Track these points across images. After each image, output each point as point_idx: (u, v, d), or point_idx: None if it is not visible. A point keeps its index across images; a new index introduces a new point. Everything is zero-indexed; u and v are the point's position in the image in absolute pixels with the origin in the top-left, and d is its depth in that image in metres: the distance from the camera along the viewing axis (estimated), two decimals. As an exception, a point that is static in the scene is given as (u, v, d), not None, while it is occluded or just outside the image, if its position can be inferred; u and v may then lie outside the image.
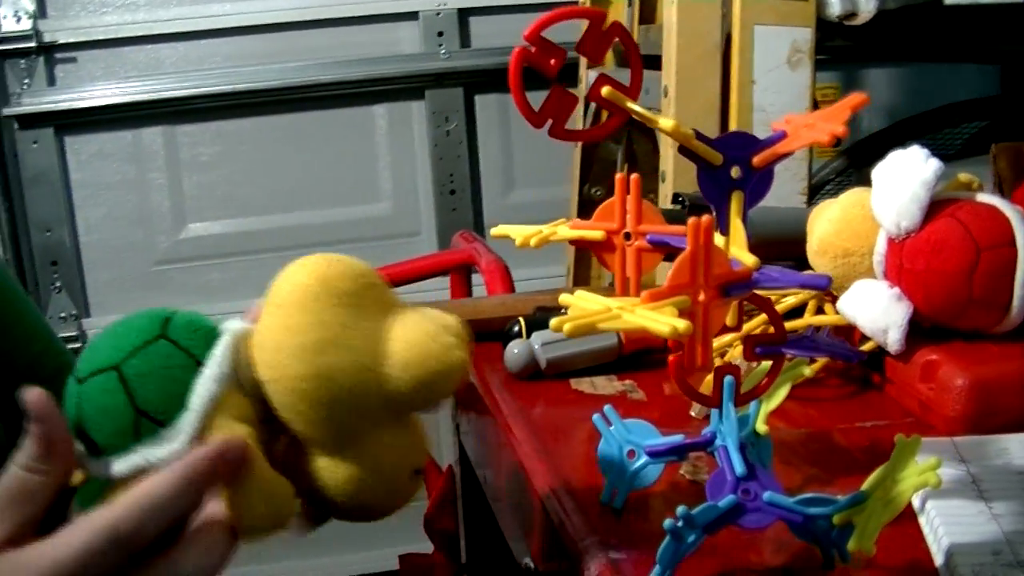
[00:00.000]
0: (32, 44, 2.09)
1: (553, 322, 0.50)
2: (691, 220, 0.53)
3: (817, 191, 1.65)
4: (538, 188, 2.28)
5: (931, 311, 0.80)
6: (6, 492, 0.55)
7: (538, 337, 0.92)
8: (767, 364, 0.63)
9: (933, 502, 0.65)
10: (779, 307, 0.89)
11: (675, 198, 0.99)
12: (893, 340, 0.80)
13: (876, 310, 0.81)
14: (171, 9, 2.16)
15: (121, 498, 0.54)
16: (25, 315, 0.88)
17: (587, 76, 1.68)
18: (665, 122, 0.56)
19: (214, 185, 2.24)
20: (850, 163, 1.72)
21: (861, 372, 0.89)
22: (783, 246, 0.98)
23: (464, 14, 2.24)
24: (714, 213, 0.60)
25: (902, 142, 1.68)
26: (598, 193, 1.70)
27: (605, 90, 0.57)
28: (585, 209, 1.70)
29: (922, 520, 0.65)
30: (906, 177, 0.80)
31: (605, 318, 0.51)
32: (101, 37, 2.13)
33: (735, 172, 0.59)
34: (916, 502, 0.67)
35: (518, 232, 0.67)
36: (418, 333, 0.60)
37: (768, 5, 1.27)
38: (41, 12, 2.11)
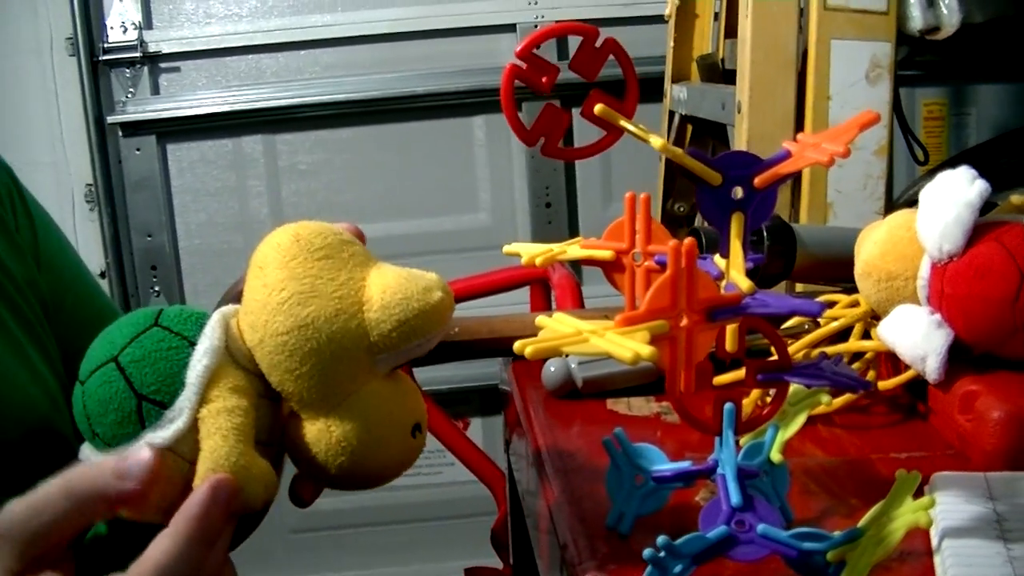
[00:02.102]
0: (137, 54, 2.15)
1: (516, 344, 0.49)
2: (672, 243, 0.52)
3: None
4: (635, 202, 2.25)
5: (973, 338, 0.77)
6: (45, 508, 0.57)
7: (576, 356, 0.91)
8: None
9: (949, 541, 0.62)
10: (823, 331, 0.87)
11: (690, 232, 0.97)
12: (932, 368, 0.77)
13: (916, 336, 0.78)
14: (273, 20, 2.21)
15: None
16: (97, 300, 0.90)
17: (671, 90, 1.66)
18: (655, 140, 0.55)
19: (312, 193, 2.27)
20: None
21: (908, 400, 0.86)
22: (837, 268, 0.95)
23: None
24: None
25: (1003, 156, 1.63)
26: (681, 209, 1.67)
27: (598, 107, 0.56)
28: (669, 225, 1.68)
29: (937, 559, 0.62)
30: (950, 198, 0.77)
31: (571, 341, 0.50)
32: (204, 47, 2.19)
33: (737, 192, 0.58)
34: (934, 540, 0.64)
35: (526, 250, 0.66)
36: (396, 278, 0.61)
37: (846, 18, 1.24)
38: (147, 23, 2.18)
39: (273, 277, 0.60)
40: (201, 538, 0.56)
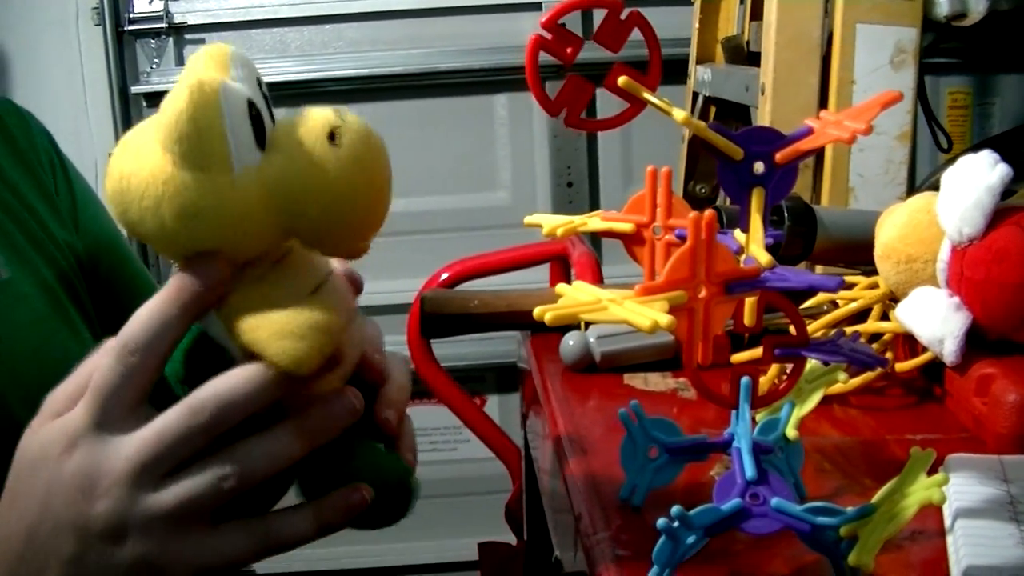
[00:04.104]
0: (163, 25, 2.16)
1: (536, 310, 0.49)
2: (692, 214, 0.52)
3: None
4: (655, 183, 2.26)
5: (990, 322, 0.77)
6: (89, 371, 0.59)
7: (594, 330, 0.92)
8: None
9: (962, 521, 0.62)
10: (842, 311, 0.87)
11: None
12: (949, 351, 0.77)
13: (934, 319, 0.78)
14: (299, -7, 2.21)
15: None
16: (131, 266, 0.92)
17: (695, 72, 1.65)
18: (678, 113, 0.55)
19: (334, 168, 2.27)
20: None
21: (924, 383, 0.86)
22: (856, 250, 0.95)
23: (587, 9, 2.23)
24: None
25: (1022, 147, 1.62)
26: (703, 191, 1.67)
27: (621, 80, 0.56)
28: (690, 207, 1.67)
29: (949, 539, 0.63)
30: (971, 182, 0.77)
31: (591, 309, 0.50)
32: (229, 19, 2.20)
33: (757, 168, 0.58)
34: (947, 520, 0.64)
35: (547, 221, 0.66)
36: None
37: (872, 3, 1.23)
38: (173, -6, 2.18)
39: None
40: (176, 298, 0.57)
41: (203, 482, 0.57)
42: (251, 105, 0.56)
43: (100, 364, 0.58)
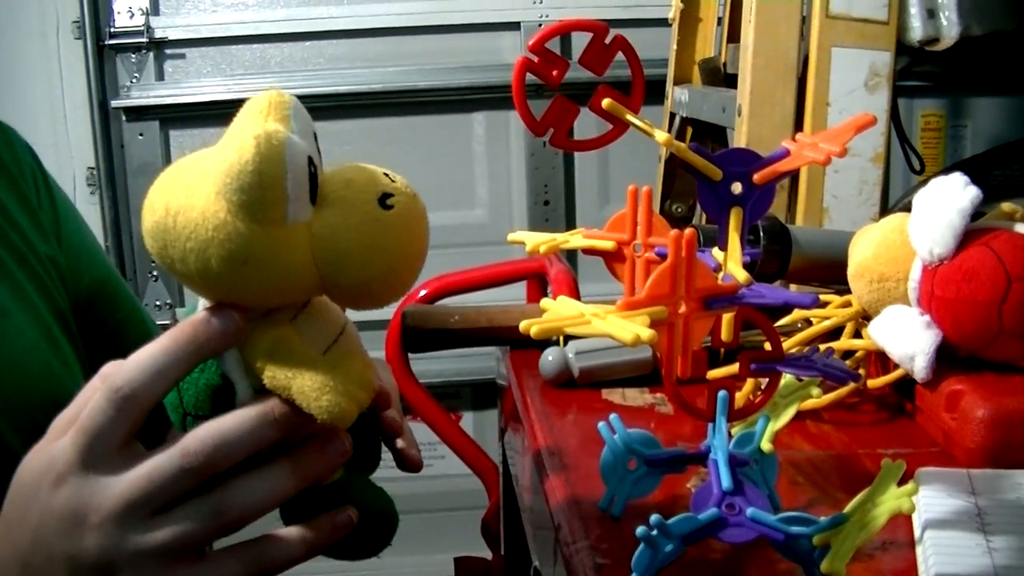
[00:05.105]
0: (143, 40, 2.17)
1: (523, 324, 0.51)
2: (673, 232, 0.54)
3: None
4: (633, 203, 2.28)
5: (960, 340, 0.79)
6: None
7: (573, 346, 0.93)
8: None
9: (931, 532, 0.64)
10: (815, 329, 0.89)
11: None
12: (920, 367, 0.79)
13: (905, 336, 0.80)
14: (279, 10, 2.22)
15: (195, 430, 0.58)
16: (111, 282, 0.93)
17: (673, 92, 1.68)
18: (660, 135, 0.57)
19: (312, 183, 2.28)
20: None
21: (896, 399, 0.88)
22: (830, 269, 0.97)
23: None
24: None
25: (996, 168, 1.65)
26: (679, 210, 1.69)
27: (605, 102, 0.58)
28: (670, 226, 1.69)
29: (919, 549, 0.64)
30: (943, 203, 0.79)
31: (575, 323, 0.52)
32: (210, 35, 2.20)
33: (736, 188, 0.60)
34: (916, 531, 0.66)
35: (530, 238, 0.68)
36: None
37: (847, 27, 1.26)
38: (154, 9, 2.19)
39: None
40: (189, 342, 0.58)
41: (195, 520, 0.58)
42: (310, 161, 0.56)
43: (90, 401, 0.58)
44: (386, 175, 0.59)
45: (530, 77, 0.60)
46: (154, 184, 0.58)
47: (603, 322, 0.51)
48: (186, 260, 0.56)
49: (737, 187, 0.60)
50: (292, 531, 0.63)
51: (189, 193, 0.56)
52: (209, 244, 0.55)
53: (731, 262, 0.59)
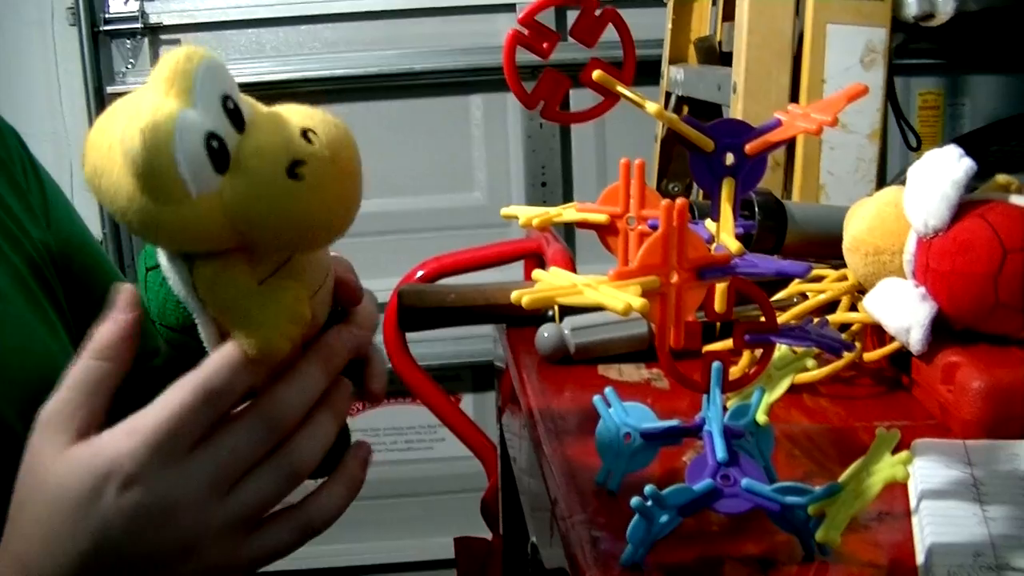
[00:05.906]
0: (138, 25, 2.16)
1: (514, 294, 0.51)
2: (665, 202, 0.54)
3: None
4: (630, 183, 2.28)
5: (956, 312, 0.79)
6: (78, 384, 0.59)
7: (569, 322, 0.93)
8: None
9: (927, 502, 0.64)
10: (812, 302, 0.89)
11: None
12: (915, 340, 0.79)
13: (900, 309, 0.80)
14: (273, -6, 2.22)
15: (206, 360, 0.58)
16: (102, 266, 0.93)
17: (668, 71, 1.67)
18: (651, 106, 0.57)
19: (309, 167, 2.28)
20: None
21: (892, 372, 0.88)
22: (826, 244, 0.97)
23: (561, 7, 2.25)
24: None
25: (993, 143, 1.65)
26: (675, 189, 1.69)
27: (596, 73, 0.58)
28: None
29: (915, 519, 0.65)
30: (937, 176, 0.79)
31: (566, 292, 0.51)
32: (204, 20, 2.20)
33: (728, 159, 0.60)
34: (913, 502, 0.66)
35: (523, 212, 0.68)
36: None
37: (842, 4, 1.26)
38: (148, -6, 2.19)
39: None
40: (208, 392, 0.58)
41: (273, 483, 0.59)
42: (210, 136, 0.55)
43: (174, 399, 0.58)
44: (305, 133, 0.56)
45: (525, 56, 0.60)
46: (92, 127, 0.58)
47: (595, 292, 0.51)
48: (114, 214, 0.57)
49: (729, 158, 0.60)
50: (331, 485, 0.63)
51: (109, 156, 0.56)
52: (126, 211, 0.56)
53: (723, 232, 0.59)
